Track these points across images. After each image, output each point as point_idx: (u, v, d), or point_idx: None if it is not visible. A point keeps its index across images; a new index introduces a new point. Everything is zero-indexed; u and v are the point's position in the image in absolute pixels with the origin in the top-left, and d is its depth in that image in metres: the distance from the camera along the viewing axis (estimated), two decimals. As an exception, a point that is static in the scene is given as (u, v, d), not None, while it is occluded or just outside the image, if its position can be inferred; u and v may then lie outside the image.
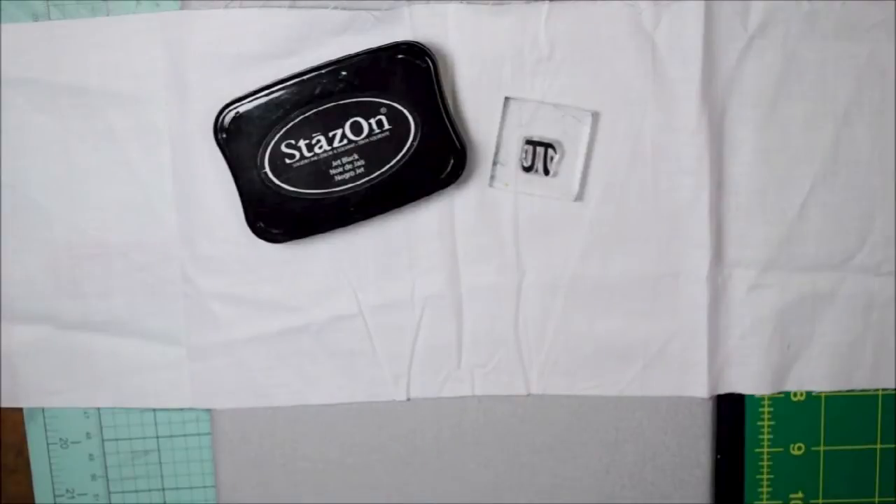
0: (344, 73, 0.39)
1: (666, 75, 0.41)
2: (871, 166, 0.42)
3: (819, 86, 0.41)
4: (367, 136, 0.39)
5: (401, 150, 0.39)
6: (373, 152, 0.39)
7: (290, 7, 0.40)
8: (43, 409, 0.44)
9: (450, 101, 0.40)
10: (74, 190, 0.42)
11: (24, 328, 0.43)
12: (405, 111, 0.39)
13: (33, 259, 0.43)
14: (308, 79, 0.39)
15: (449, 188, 0.41)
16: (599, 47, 0.40)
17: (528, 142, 0.41)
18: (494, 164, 0.42)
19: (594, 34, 0.40)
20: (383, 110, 0.39)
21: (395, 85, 0.39)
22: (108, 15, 0.41)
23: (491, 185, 0.42)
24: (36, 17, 0.41)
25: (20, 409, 0.44)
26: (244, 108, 0.39)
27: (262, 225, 0.40)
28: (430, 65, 0.39)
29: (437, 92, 0.39)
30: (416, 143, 0.39)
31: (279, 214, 0.40)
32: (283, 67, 0.40)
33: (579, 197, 0.42)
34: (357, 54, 0.39)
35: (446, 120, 0.40)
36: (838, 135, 0.42)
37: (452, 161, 0.40)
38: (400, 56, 0.39)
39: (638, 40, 0.40)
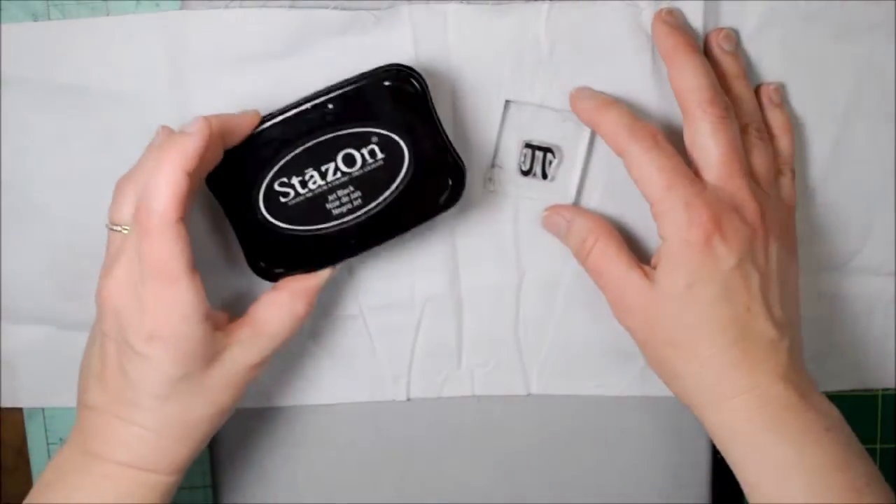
0: (330, 105, 0.38)
1: (666, 75, 0.41)
2: (871, 166, 0.42)
3: (819, 86, 0.41)
4: (361, 167, 0.38)
5: (396, 178, 0.38)
6: (368, 182, 0.38)
7: (290, 7, 0.40)
8: (43, 409, 0.44)
9: (449, 114, 0.40)
10: (74, 190, 0.42)
11: (25, 328, 0.43)
12: (397, 138, 0.38)
13: (33, 259, 0.42)
14: (294, 115, 0.38)
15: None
16: (599, 47, 0.40)
17: (528, 145, 0.41)
18: (492, 166, 0.42)
19: (594, 34, 0.40)
20: (374, 139, 0.38)
21: (384, 112, 0.38)
22: (108, 15, 0.41)
23: (489, 187, 0.42)
24: (36, 17, 0.41)
25: (20, 409, 0.44)
26: (231, 151, 0.37)
27: (263, 265, 0.39)
28: (419, 87, 0.38)
29: (430, 113, 0.38)
30: (411, 169, 0.38)
31: (280, 253, 0.39)
32: (283, 67, 0.40)
33: (576, 202, 0.42)
34: (341, 84, 0.38)
35: (443, 140, 0.38)
36: (838, 135, 0.42)
37: (451, 182, 0.39)
38: (386, 83, 0.38)
39: (638, 40, 0.40)
